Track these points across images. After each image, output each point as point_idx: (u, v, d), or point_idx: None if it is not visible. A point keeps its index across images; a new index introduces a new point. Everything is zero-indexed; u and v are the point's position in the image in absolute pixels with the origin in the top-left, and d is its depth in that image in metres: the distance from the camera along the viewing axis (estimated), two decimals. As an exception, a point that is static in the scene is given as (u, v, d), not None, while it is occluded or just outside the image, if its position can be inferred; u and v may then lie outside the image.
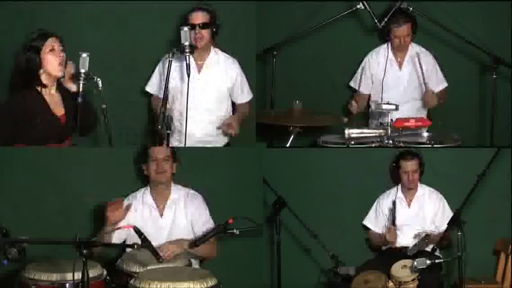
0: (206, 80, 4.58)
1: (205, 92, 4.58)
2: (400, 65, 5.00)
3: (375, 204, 4.87)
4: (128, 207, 4.26)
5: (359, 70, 5.15)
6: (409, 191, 4.75)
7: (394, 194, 4.77)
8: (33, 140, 3.96)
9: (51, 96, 4.04)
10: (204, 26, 4.46)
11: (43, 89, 4.00)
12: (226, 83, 4.65)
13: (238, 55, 4.77)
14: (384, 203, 4.81)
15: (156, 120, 4.05)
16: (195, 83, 4.44)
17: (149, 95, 4.80)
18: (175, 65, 4.21)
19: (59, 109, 4.05)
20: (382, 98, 4.95)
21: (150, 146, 4.33)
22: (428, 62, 4.98)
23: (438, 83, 5.02)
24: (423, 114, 4.98)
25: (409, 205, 4.74)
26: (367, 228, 4.93)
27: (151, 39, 4.81)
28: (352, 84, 5.20)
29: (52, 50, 3.95)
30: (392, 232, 4.54)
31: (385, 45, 5.04)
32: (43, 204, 4.52)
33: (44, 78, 3.99)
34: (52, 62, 3.96)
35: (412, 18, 4.81)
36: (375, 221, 4.86)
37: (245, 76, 4.73)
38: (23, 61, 3.94)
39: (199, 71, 4.55)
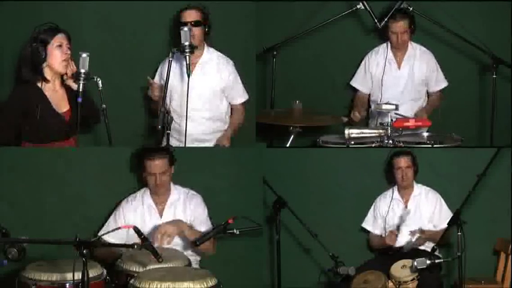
0: (199, 79, 4.57)
1: (198, 91, 4.57)
2: (399, 64, 5.01)
3: (372, 206, 4.88)
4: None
5: (359, 69, 5.16)
6: (405, 190, 4.75)
7: (391, 195, 4.77)
8: (38, 137, 3.98)
9: (55, 92, 4.07)
10: (196, 23, 4.46)
11: (46, 85, 4.02)
12: (219, 83, 4.63)
13: (238, 55, 4.77)
14: (381, 205, 4.81)
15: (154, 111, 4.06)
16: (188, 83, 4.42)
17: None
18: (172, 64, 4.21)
19: (63, 105, 4.07)
20: (381, 98, 4.96)
21: (145, 158, 4.28)
22: (429, 61, 5.00)
23: (439, 83, 5.05)
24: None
25: (406, 205, 4.74)
26: (366, 231, 4.92)
27: (152, 39, 4.81)
28: (352, 83, 5.20)
29: (60, 45, 3.98)
30: (393, 237, 4.55)
31: (385, 44, 5.05)
32: (43, 204, 4.51)
33: (46, 72, 4.01)
34: (57, 57, 3.99)
35: (410, 15, 4.81)
36: (373, 223, 4.86)
37: (239, 77, 4.71)
38: (28, 52, 3.98)
39: (191, 72, 4.54)
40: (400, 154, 4.69)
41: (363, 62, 5.13)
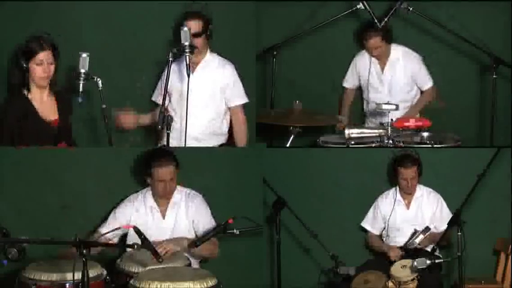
0: (199, 80, 4.57)
1: (197, 92, 4.55)
2: (382, 68, 5.11)
3: (373, 206, 4.85)
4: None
5: (349, 70, 5.27)
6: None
7: (393, 195, 4.76)
8: (28, 143, 4.06)
9: (42, 102, 4.13)
10: (196, 35, 4.43)
11: (33, 95, 4.10)
12: (218, 84, 4.61)
13: (238, 55, 4.75)
14: (382, 205, 4.80)
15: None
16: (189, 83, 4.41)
17: (152, 96, 4.79)
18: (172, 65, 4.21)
19: (51, 114, 4.13)
20: (367, 98, 5.14)
21: (154, 165, 4.27)
22: (413, 62, 5.06)
23: (424, 83, 5.11)
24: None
25: (407, 207, 4.73)
26: (365, 230, 4.90)
27: (152, 39, 4.78)
28: (344, 84, 5.31)
29: (39, 64, 4.01)
30: (397, 253, 4.51)
31: None
32: (43, 204, 4.51)
33: (31, 85, 4.09)
34: (38, 73, 4.05)
35: (382, 31, 4.85)
36: (372, 223, 4.84)
37: (241, 80, 4.67)
38: (15, 67, 4.08)
39: (192, 72, 4.55)
40: (406, 164, 4.60)
41: (351, 63, 5.24)
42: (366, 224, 4.88)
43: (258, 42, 4.96)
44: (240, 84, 4.69)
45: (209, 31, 4.54)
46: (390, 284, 4.25)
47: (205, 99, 4.60)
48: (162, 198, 4.37)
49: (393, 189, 4.81)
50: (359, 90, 5.31)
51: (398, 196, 4.75)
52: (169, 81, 4.16)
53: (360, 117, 5.29)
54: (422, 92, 5.14)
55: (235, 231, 3.86)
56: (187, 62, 4.10)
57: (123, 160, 4.60)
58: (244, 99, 4.73)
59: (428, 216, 4.67)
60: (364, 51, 5.14)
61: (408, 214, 4.71)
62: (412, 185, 4.67)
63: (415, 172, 4.64)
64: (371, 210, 4.87)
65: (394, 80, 5.06)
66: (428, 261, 4.06)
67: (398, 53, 5.06)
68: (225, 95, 4.66)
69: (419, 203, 4.72)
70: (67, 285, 3.62)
